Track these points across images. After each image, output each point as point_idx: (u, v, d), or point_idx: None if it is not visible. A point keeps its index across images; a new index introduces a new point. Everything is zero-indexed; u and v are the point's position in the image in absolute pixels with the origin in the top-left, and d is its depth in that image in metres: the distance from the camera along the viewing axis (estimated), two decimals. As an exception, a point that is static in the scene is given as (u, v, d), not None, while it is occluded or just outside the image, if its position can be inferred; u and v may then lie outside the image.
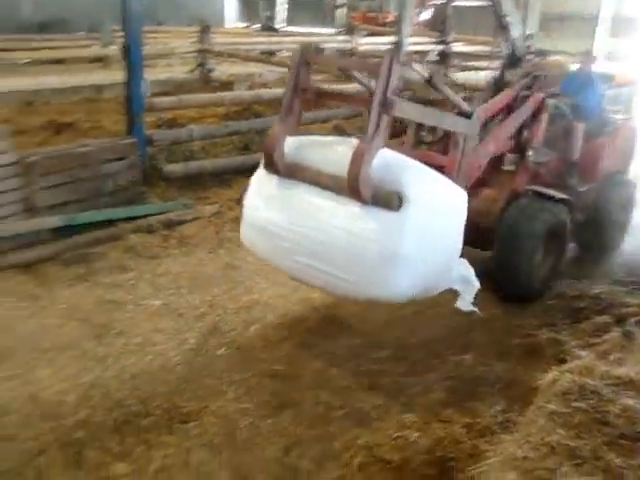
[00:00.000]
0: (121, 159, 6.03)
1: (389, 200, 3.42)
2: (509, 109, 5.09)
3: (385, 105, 3.39)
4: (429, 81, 4.08)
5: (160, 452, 3.13)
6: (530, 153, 5.04)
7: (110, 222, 5.64)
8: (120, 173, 6.03)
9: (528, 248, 4.66)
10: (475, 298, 3.78)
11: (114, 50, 11.82)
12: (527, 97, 5.12)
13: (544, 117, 5.13)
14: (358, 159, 3.38)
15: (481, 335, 4.30)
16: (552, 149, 5.28)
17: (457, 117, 4.30)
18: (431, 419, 3.44)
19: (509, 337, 4.30)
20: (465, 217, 3.77)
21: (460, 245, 3.75)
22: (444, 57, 13.31)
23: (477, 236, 4.46)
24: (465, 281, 3.80)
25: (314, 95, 3.93)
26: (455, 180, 3.96)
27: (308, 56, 3.83)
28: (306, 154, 3.80)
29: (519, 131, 5.08)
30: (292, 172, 3.77)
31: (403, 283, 3.50)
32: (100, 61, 13.15)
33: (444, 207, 3.68)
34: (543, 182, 5.11)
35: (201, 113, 8.72)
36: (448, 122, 4.25)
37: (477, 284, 3.81)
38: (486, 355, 4.07)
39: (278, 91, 9.59)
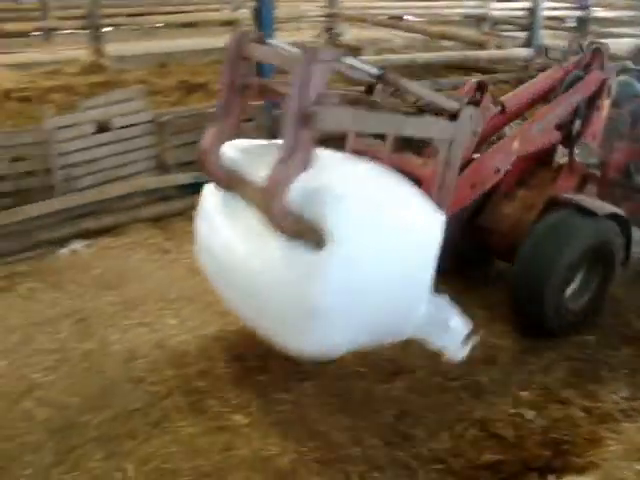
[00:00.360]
0: (249, 120, 6.16)
1: (309, 236, 2.74)
2: (554, 94, 4.11)
3: (304, 117, 2.62)
4: (380, 79, 3.09)
5: (276, 407, 3.22)
6: (577, 150, 4.05)
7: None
8: (248, 134, 6.16)
9: (554, 278, 3.65)
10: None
11: (244, 13, 12.04)
12: (579, 78, 4.09)
13: (605, 103, 4.12)
14: (271, 188, 2.72)
15: (606, 317, 4.09)
16: (620, 139, 4.36)
17: (431, 119, 3.18)
18: (549, 399, 3.35)
19: (637, 321, 4.08)
20: (437, 247, 2.97)
21: (428, 282, 2.98)
22: (582, 23, 12.61)
23: (507, 250, 3.91)
24: (442, 325, 3.09)
25: (258, 92, 3.30)
26: (433, 198, 3.10)
27: (244, 48, 3.12)
28: (246, 164, 3.15)
29: (571, 120, 4.11)
30: (231, 185, 3.20)
31: (328, 340, 2.87)
32: (230, 24, 13.44)
33: (399, 237, 2.87)
34: (600, 185, 4.20)
35: (327, 77, 8.73)
36: (416, 128, 3.12)
37: (461, 328, 3.11)
38: (611, 338, 3.89)
39: (405, 57, 9.50)
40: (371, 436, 3.08)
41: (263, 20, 6.26)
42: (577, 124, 4.09)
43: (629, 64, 4.50)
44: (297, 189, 2.72)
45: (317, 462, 2.94)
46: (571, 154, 4.10)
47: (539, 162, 4.23)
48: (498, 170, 3.71)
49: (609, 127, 4.27)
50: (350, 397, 3.32)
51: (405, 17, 14.31)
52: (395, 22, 13.19)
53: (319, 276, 2.71)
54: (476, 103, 3.50)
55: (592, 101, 4.11)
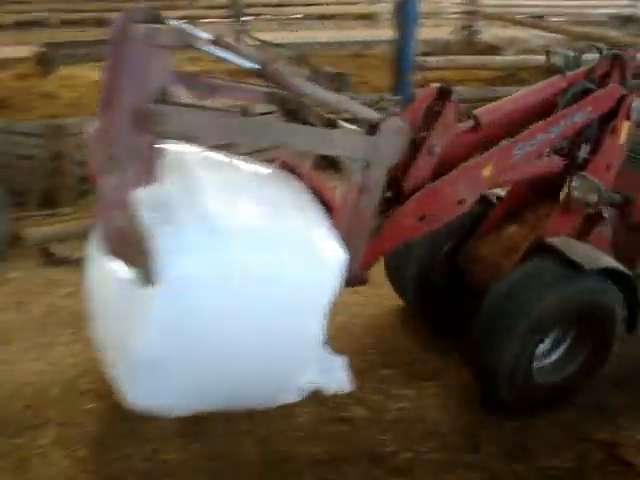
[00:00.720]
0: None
1: (141, 267, 2.15)
2: (550, 110, 3.17)
3: (139, 118, 2.07)
4: (259, 75, 2.41)
5: (396, 404, 3.21)
6: (574, 184, 3.20)
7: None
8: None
9: (513, 345, 2.94)
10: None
11: (382, 7, 12.07)
12: (588, 92, 3.21)
13: (623, 125, 3.23)
14: (99, 204, 2.22)
15: None
16: None
17: (337, 132, 2.51)
18: (685, 430, 3.14)
19: None
20: (329, 294, 2.40)
21: (316, 338, 2.46)
22: None
23: (482, 296, 3.10)
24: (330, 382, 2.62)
25: None
26: (340, 231, 2.49)
27: (134, 29, 2.31)
28: None
29: (578, 146, 3.27)
30: None
31: (157, 397, 2.39)
32: (366, 18, 13.52)
33: (274, 281, 2.30)
34: (621, 229, 3.43)
35: (463, 76, 8.58)
36: (312, 142, 2.46)
37: (346, 386, 2.66)
38: None
39: (544, 58, 9.15)
40: (489, 443, 3.01)
41: (406, 14, 6.23)
42: (584, 150, 3.28)
43: None
44: (138, 206, 2.16)
45: (434, 464, 2.91)
46: (568, 188, 3.25)
47: (542, 193, 3.44)
48: (462, 201, 2.91)
49: (636, 155, 3.48)
50: (473, 402, 3.25)
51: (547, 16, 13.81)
52: (536, 21, 12.73)
53: (143, 319, 2.23)
54: (436, 114, 2.81)
55: (606, 122, 3.25)
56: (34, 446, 2.92)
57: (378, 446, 2.97)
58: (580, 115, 3.16)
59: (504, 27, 12.30)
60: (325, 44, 10.79)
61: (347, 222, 2.54)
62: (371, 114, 2.50)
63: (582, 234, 3.30)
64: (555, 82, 3.24)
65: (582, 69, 3.32)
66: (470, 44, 11.17)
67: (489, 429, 3.09)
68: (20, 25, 10.19)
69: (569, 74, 3.27)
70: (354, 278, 2.65)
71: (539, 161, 3.21)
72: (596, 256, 3.05)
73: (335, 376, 2.61)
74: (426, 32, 10.84)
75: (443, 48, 10.19)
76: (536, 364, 3.08)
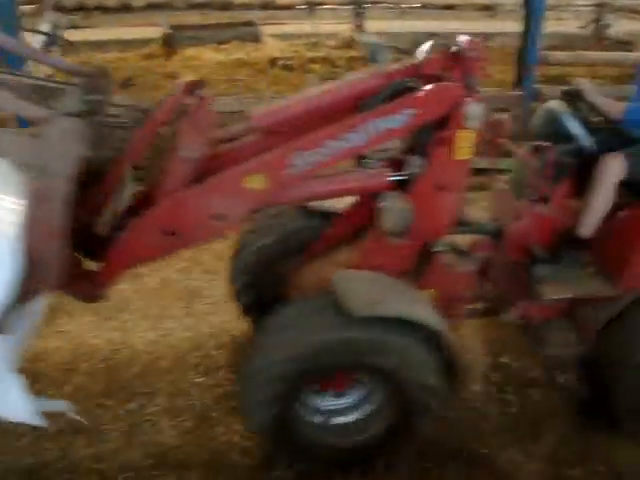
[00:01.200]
0: (505, 110, 5.98)
1: None
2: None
3: None
4: None
5: (504, 408, 3.15)
6: (379, 206, 2.61)
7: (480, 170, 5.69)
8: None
9: (274, 397, 2.51)
10: None
11: (503, -1, 11.78)
12: (408, 89, 2.52)
13: (457, 136, 2.53)
14: None
15: None
16: (526, 197, 2.96)
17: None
18: None
19: None
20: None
21: None
22: None
23: None
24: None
25: None
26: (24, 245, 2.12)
27: None
28: None
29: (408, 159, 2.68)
30: None
31: None
32: (489, 9, 13.18)
33: None
34: (495, 267, 2.96)
35: (588, 72, 8.22)
36: None
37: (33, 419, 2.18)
38: None
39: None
40: (600, 462, 2.88)
41: (534, 7, 6.02)
42: (415, 163, 2.63)
43: (584, 84, 2.96)
44: None
45: (535, 473, 2.82)
46: (377, 212, 2.64)
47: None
48: (221, 216, 2.43)
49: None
50: (566, 415, 3.13)
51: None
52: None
53: None
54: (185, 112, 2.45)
55: (436, 131, 2.58)
56: (144, 413, 3.06)
57: (480, 447, 2.92)
58: (394, 120, 2.48)
59: (637, 20, 11.67)
60: (445, 34, 10.62)
61: (30, 236, 2.11)
62: (37, 113, 2.11)
63: (422, 268, 2.72)
64: (370, 79, 2.59)
65: (407, 63, 2.63)
66: (598, 39, 10.68)
67: (600, 445, 2.95)
68: (150, 7, 10.59)
69: (389, 69, 2.59)
70: (83, 295, 2.51)
71: (353, 175, 2.68)
72: (388, 299, 2.44)
73: (12, 404, 2.20)
74: (550, 25, 10.49)
75: (568, 42, 9.79)
76: (316, 419, 2.70)
